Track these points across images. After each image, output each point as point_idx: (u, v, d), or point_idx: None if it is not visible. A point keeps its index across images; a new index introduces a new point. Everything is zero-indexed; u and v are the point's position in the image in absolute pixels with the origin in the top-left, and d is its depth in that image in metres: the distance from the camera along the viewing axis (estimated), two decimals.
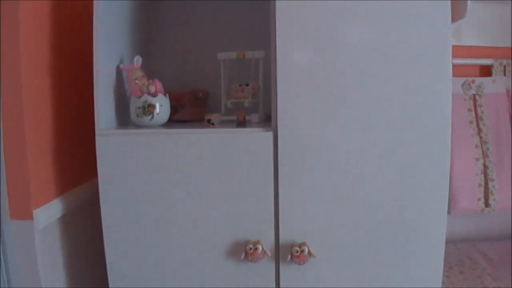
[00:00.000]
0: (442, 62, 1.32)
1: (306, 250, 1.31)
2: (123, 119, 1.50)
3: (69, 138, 1.54)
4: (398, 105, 1.32)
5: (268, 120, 1.60)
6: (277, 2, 1.29)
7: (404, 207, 1.36)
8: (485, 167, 2.10)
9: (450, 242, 2.17)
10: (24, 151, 1.26)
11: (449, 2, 1.32)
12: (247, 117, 1.46)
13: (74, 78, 1.58)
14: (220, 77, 1.63)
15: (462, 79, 2.12)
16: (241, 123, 1.44)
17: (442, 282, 1.58)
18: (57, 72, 1.44)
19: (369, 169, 1.34)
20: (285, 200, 1.33)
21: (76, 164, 1.60)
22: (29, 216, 1.28)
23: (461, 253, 2.06)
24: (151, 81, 1.40)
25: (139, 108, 1.38)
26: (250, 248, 1.31)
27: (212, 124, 1.41)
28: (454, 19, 1.72)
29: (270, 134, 1.32)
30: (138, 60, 1.45)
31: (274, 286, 1.37)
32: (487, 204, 2.11)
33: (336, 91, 1.31)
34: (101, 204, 1.35)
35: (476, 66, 2.21)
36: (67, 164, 1.52)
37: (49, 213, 1.36)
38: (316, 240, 1.34)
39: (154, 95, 1.39)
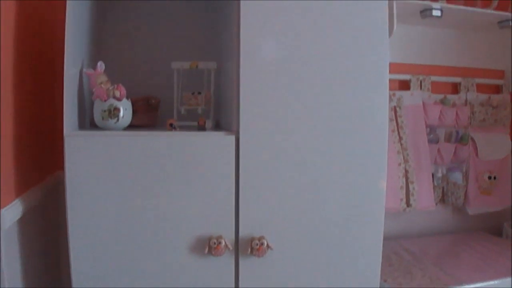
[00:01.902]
0: (381, 77, 1.55)
1: (265, 243, 1.45)
2: (80, 121, 1.55)
3: (27, 138, 1.55)
4: (345, 115, 1.52)
5: (218, 126, 1.74)
6: (241, 12, 1.42)
7: (348, 207, 1.56)
8: (406, 171, 2.35)
9: None
10: None
11: (387, 24, 1.53)
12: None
13: (34, 80, 1.61)
14: (171, 85, 1.73)
15: None
16: (202, 127, 1.55)
17: None
18: (18, 74, 1.45)
19: (320, 172, 1.51)
20: (245, 198, 1.46)
21: (33, 164, 1.62)
22: None
23: (387, 249, 2.27)
24: (116, 86, 1.47)
25: (104, 111, 1.44)
26: (214, 243, 1.42)
27: (175, 128, 1.51)
28: None
29: (232, 137, 1.44)
30: (101, 65, 1.51)
31: (234, 277, 1.48)
32: (408, 204, 2.36)
33: (292, 99, 1.46)
34: (67, 204, 1.37)
35: (396, 81, 2.46)
36: (26, 164, 1.54)
37: (13, 213, 1.35)
38: (273, 234, 1.47)
39: (119, 99, 1.46)
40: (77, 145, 1.37)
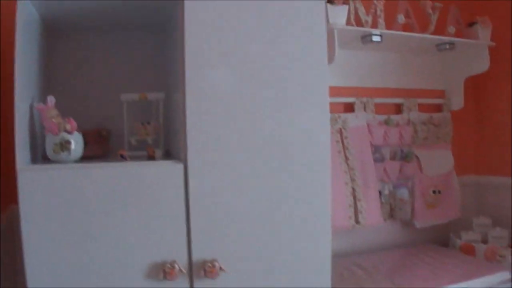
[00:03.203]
0: (322, 101, 1.70)
1: (217, 266, 1.54)
2: (33, 156, 1.61)
3: None
4: (289, 139, 1.64)
5: (168, 154, 1.83)
6: (186, 40, 1.53)
7: (296, 227, 1.67)
8: (353, 189, 2.49)
9: None
10: None
11: (326, 51, 1.67)
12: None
13: None
14: (122, 116, 1.82)
15: (330, 115, 2.48)
16: (152, 157, 1.64)
17: None
18: None
19: (267, 195, 1.62)
20: (196, 224, 1.54)
21: None
22: None
23: (340, 266, 2.40)
24: (66, 119, 1.55)
25: (56, 144, 1.52)
26: (168, 268, 1.50)
27: (125, 158, 1.60)
28: None
29: (181, 166, 1.53)
30: (51, 100, 1.58)
31: None
32: (357, 221, 2.49)
33: (237, 126, 1.58)
34: (23, 236, 1.42)
35: (341, 104, 2.62)
36: None
37: None
38: (225, 257, 1.57)
39: (70, 132, 1.54)
40: (31, 179, 1.43)
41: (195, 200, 1.54)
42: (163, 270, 1.50)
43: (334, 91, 2.53)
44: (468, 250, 2.61)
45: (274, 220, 1.64)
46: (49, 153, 1.54)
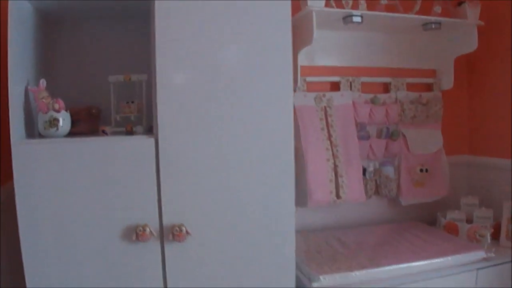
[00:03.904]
0: (286, 84, 1.96)
1: (184, 230, 1.84)
2: (29, 133, 1.93)
3: None
4: (253, 119, 1.93)
5: (151, 130, 2.13)
6: (156, 31, 1.82)
7: (260, 197, 1.97)
8: (335, 165, 2.73)
9: (309, 231, 2.79)
10: None
11: (291, 39, 1.93)
12: (134, 128, 1.99)
13: None
14: (110, 96, 2.13)
15: (315, 94, 2.76)
16: (129, 132, 1.95)
17: (302, 261, 2.18)
18: None
19: (233, 166, 1.92)
20: (166, 191, 1.85)
21: None
22: None
23: (319, 239, 2.65)
24: (55, 99, 1.87)
25: (46, 122, 1.83)
26: (140, 230, 1.81)
27: (106, 133, 1.92)
28: (303, 45, 2.38)
29: (152, 140, 1.84)
30: (43, 82, 1.89)
31: (161, 260, 1.88)
32: (338, 197, 2.74)
33: (204, 104, 1.87)
34: (17, 203, 1.73)
35: (327, 83, 2.85)
36: None
37: None
38: (192, 222, 1.87)
39: (58, 111, 1.85)
40: (22, 151, 1.75)
41: (165, 170, 1.84)
42: (135, 232, 1.81)
43: (320, 70, 2.80)
44: (452, 229, 2.78)
45: (240, 190, 1.94)
46: (41, 129, 1.86)
